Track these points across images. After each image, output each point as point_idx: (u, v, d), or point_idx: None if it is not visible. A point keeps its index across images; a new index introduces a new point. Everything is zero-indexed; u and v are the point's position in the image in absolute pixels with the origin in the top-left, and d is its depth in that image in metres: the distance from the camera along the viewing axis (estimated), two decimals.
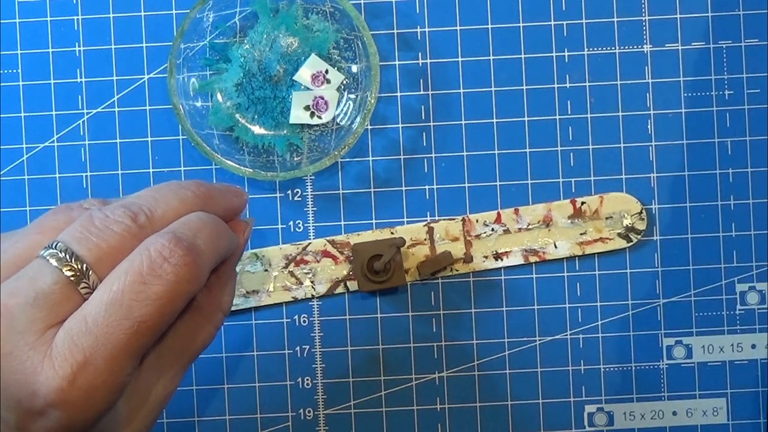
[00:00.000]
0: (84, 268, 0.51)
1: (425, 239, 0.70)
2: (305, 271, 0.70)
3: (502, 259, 0.70)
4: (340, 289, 0.70)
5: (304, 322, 0.71)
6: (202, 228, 0.54)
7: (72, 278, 0.50)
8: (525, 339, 0.71)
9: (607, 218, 0.70)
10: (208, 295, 0.58)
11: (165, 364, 0.56)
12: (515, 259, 0.70)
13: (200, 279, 0.53)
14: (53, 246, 0.51)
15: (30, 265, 0.51)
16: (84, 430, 0.52)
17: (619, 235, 0.70)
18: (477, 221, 0.70)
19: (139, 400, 0.55)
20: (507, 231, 0.70)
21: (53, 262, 0.51)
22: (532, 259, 0.70)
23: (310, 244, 0.70)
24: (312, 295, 0.70)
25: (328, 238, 0.70)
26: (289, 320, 0.71)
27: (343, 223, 0.71)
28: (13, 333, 0.50)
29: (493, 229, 0.70)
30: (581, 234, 0.70)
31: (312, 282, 0.70)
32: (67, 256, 0.51)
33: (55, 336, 0.50)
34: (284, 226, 0.71)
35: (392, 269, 0.68)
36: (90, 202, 0.55)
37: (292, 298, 0.70)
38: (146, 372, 0.55)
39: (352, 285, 0.70)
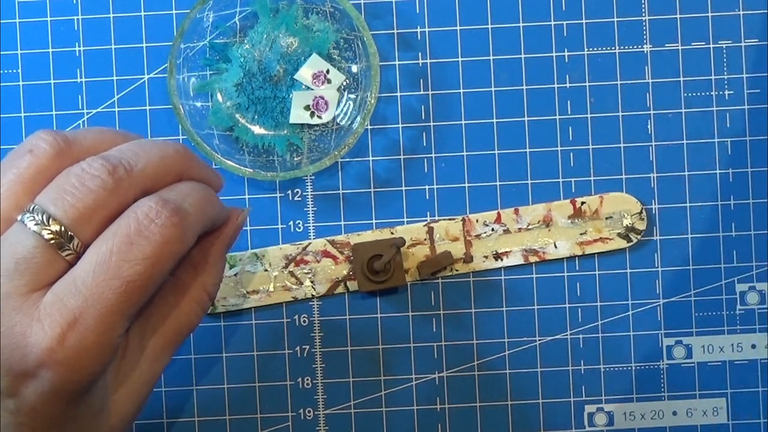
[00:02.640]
0: (63, 230, 0.51)
1: (425, 239, 0.70)
2: (305, 271, 0.70)
3: (502, 259, 0.70)
4: (340, 289, 0.70)
5: (304, 322, 0.71)
6: (189, 192, 0.55)
7: (52, 241, 0.51)
8: (525, 339, 0.71)
9: (607, 218, 0.70)
10: (194, 274, 0.58)
11: (151, 344, 0.56)
12: (515, 259, 0.70)
13: (187, 240, 0.53)
14: (31, 210, 0.51)
15: (10, 230, 0.52)
16: (75, 396, 0.52)
17: (619, 235, 0.70)
18: (477, 221, 0.70)
19: (126, 381, 0.56)
20: (507, 231, 0.70)
21: (32, 226, 0.51)
22: (532, 259, 0.70)
23: (310, 244, 0.70)
24: (312, 295, 0.70)
25: (328, 238, 0.70)
26: (289, 320, 0.71)
27: (343, 223, 0.71)
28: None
29: (493, 229, 0.70)
30: (581, 234, 0.70)
31: (312, 282, 0.70)
32: (44, 219, 0.51)
33: (42, 299, 0.51)
34: (284, 226, 0.71)
35: (392, 269, 0.68)
36: (37, 137, 0.53)
37: (292, 298, 0.70)
38: (132, 351, 0.56)
39: (352, 285, 0.70)
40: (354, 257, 0.69)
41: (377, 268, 0.68)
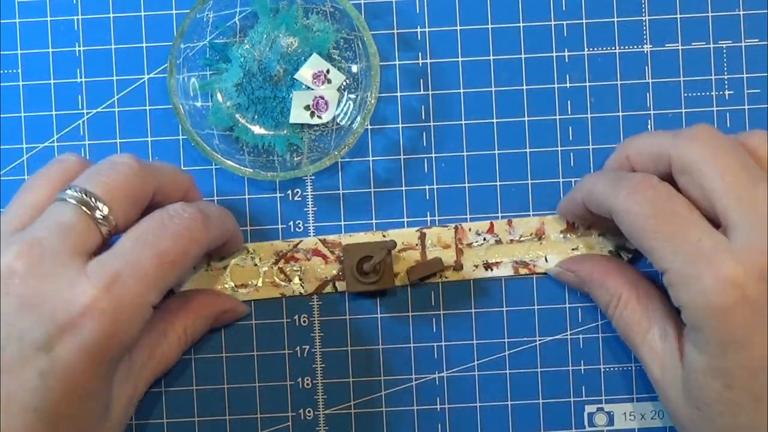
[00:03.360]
0: (95, 202, 0.59)
1: (417, 244, 0.70)
2: (294, 268, 0.70)
3: (492, 269, 0.70)
4: (328, 289, 0.70)
5: (304, 322, 0.71)
6: (210, 206, 0.65)
7: (88, 211, 0.59)
8: (525, 339, 0.71)
9: (599, 235, 0.70)
10: (181, 315, 0.69)
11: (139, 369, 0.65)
12: (505, 270, 0.70)
13: (208, 233, 0.62)
14: (69, 188, 0.60)
15: (50, 207, 0.60)
16: (103, 360, 0.58)
17: (610, 252, 0.70)
18: (470, 230, 0.70)
19: (125, 392, 0.64)
20: (499, 241, 0.70)
21: (71, 201, 0.59)
22: (522, 271, 0.70)
23: (301, 241, 0.70)
24: (300, 293, 0.70)
25: (320, 237, 0.70)
26: (289, 320, 0.71)
27: (343, 223, 0.71)
28: (47, 257, 0.57)
29: (485, 239, 0.70)
30: (572, 249, 0.70)
31: (301, 280, 0.70)
32: (82, 194, 0.59)
33: (86, 263, 0.58)
34: (284, 226, 0.71)
35: (382, 271, 0.68)
36: (64, 155, 0.64)
37: (280, 294, 0.70)
38: (129, 368, 0.64)
39: (341, 285, 0.70)
40: (344, 258, 0.68)
41: (367, 270, 0.68)
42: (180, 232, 0.60)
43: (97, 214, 0.59)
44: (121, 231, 0.60)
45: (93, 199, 0.59)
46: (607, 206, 0.62)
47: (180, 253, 0.60)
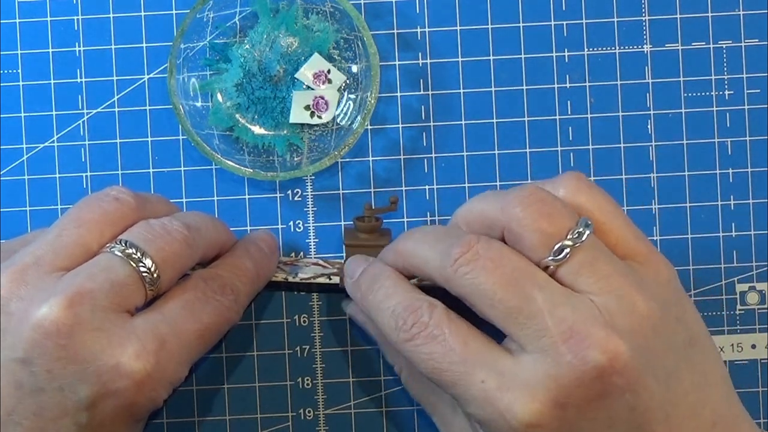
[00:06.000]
0: (153, 268, 0.59)
1: None
2: (290, 268, 0.70)
3: None
4: (321, 280, 0.69)
5: (304, 322, 0.71)
6: (251, 278, 0.65)
7: (144, 274, 0.59)
8: None
9: None
10: None
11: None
12: None
13: (239, 312, 0.64)
14: (122, 243, 0.59)
15: (99, 257, 0.59)
16: (137, 418, 0.59)
17: None
18: None
19: None
20: None
21: (124, 257, 0.59)
22: None
23: (302, 257, 0.70)
24: (289, 278, 0.69)
25: (319, 256, 0.70)
26: (289, 320, 0.71)
27: (343, 223, 0.71)
28: (97, 310, 0.57)
29: None
30: None
31: (296, 274, 0.69)
32: (139, 254, 0.59)
33: (131, 320, 0.58)
34: (284, 226, 0.71)
35: (380, 223, 0.67)
36: (118, 190, 0.62)
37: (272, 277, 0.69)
38: None
39: (334, 279, 0.69)
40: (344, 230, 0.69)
41: (367, 213, 0.67)
42: (220, 310, 0.62)
43: (149, 278, 0.59)
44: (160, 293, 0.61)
45: (149, 262, 0.59)
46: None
47: (216, 331, 0.62)
